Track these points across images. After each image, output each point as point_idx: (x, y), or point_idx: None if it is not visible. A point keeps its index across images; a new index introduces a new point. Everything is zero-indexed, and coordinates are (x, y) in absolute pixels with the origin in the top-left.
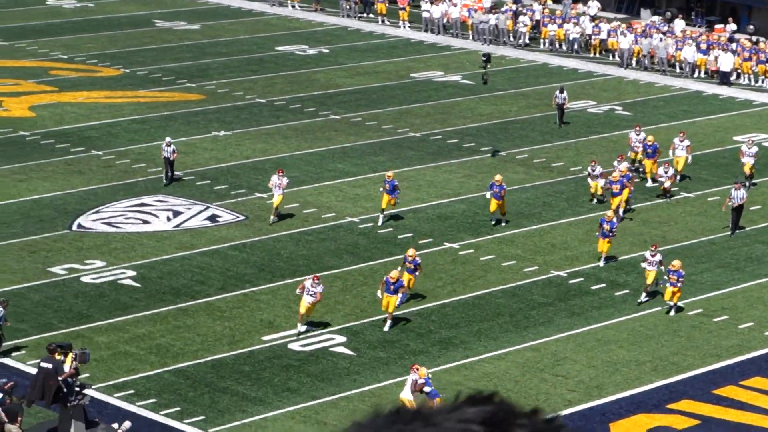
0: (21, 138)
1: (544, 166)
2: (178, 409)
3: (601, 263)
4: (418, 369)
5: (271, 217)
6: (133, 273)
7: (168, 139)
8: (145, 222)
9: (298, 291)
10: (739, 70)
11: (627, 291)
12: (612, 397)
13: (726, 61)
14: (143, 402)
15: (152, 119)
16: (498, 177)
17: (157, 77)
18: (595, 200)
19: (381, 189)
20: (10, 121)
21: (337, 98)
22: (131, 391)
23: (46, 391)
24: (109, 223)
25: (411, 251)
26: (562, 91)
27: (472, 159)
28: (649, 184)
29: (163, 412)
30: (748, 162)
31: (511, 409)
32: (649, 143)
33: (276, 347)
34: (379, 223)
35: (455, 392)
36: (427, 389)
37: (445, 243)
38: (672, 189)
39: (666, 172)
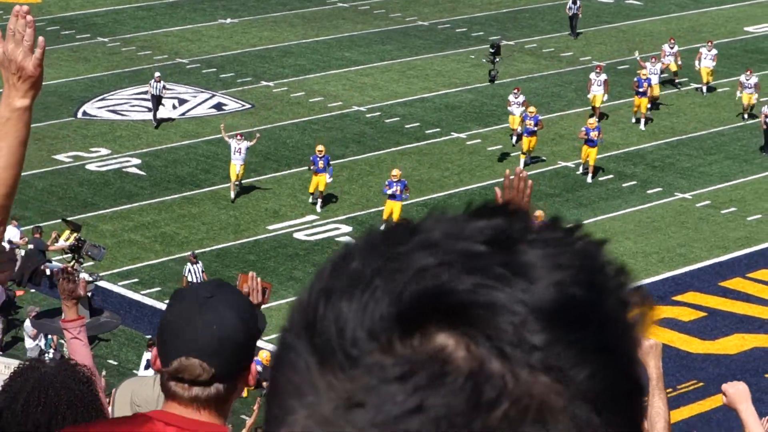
0: None
1: (552, 55)
2: None
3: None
4: None
5: (231, 192)
6: (138, 161)
7: (158, 74)
8: (151, 110)
9: None
10: None
11: (634, 182)
12: None
13: None
14: (147, 290)
15: (158, 6)
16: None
17: None
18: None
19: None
20: (14, 6)
21: None
22: (135, 280)
23: (25, 272)
24: (114, 111)
25: (395, 171)
26: (575, 1)
27: (480, 48)
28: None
29: (166, 301)
30: (747, 93)
31: (524, 222)
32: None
33: (281, 236)
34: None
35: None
36: None
37: (452, 133)
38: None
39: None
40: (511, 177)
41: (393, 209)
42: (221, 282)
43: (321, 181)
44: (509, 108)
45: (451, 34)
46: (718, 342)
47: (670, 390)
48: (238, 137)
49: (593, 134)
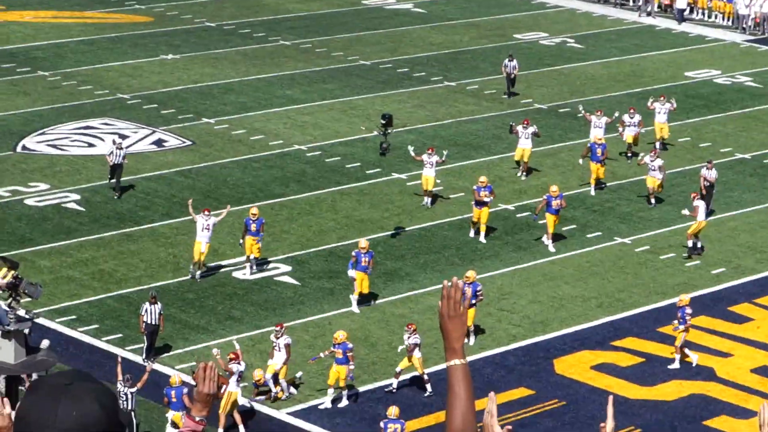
0: None
1: (494, 97)
2: (120, 335)
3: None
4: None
5: (196, 271)
6: (77, 197)
7: (119, 140)
8: (91, 145)
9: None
10: (693, 5)
11: (574, 226)
12: (557, 333)
13: None
14: (85, 327)
15: (100, 41)
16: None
17: None
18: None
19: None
20: None
21: (287, 24)
22: (73, 317)
23: None
24: (54, 146)
25: (363, 242)
26: (511, 59)
27: (422, 89)
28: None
29: (104, 338)
30: (629, 133)
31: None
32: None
33: (220, 275)
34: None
35: (366, 337)
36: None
37: (393, 173)
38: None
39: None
40: (449, 285)
41: (363, 282)
42: (80, 371)
43: (255, 246)
44: (424, 169)
45: (392, 73)
46: (656, 388)
47: None
48: (205, 212)
49: (483, 194)
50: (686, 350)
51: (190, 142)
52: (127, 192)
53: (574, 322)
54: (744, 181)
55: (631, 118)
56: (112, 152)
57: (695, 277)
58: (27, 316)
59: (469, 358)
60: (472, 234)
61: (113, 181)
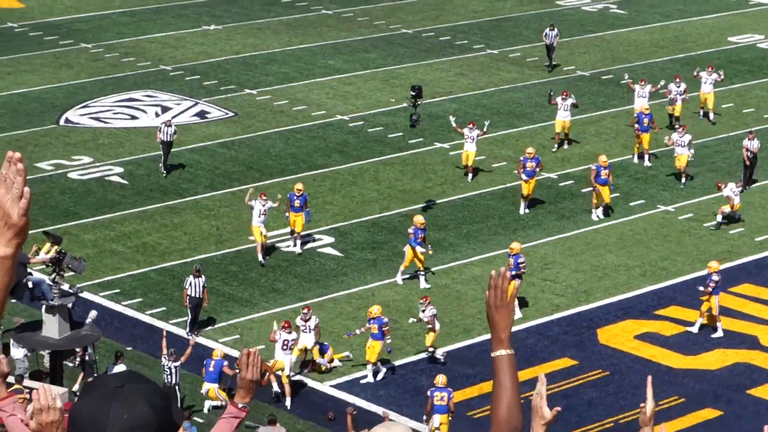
0: (9, 29)
1: (536, 65)
2: (163, 308)
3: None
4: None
5: (259, 255)
6: (120, 169)
7: (167, 118)
8: (134, 117)
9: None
10: None
11: (617, 194)
12: (600, 302)
13: None
14: (129, 301)
15: (142, 12)
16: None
17: None
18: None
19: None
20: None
21: None
22: (117, 290)
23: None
24: (97, 118)
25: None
26: (552, 28)
27: (464, 57)
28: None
29: (148, 312)
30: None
31: None
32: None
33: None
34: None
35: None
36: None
37: (435, 143)
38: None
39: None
40: (495, 275)
41: (409, 254)
42: (133, 372)
43: (298, 221)
44: (465, 143)
45: (435, 42)
46: (700, 357)
47: None
48: (262, 197)
49: (529, 164)
50: (714, 317)
51: (232, 114)
52: (170, 164)
53: (617, 291)
54: None
55: (678, 87)
56: (160, 129)
57: (739, 244)
58: (71, 291)
59: (513, 329)
60: (522, 210)
61: (163, 159)
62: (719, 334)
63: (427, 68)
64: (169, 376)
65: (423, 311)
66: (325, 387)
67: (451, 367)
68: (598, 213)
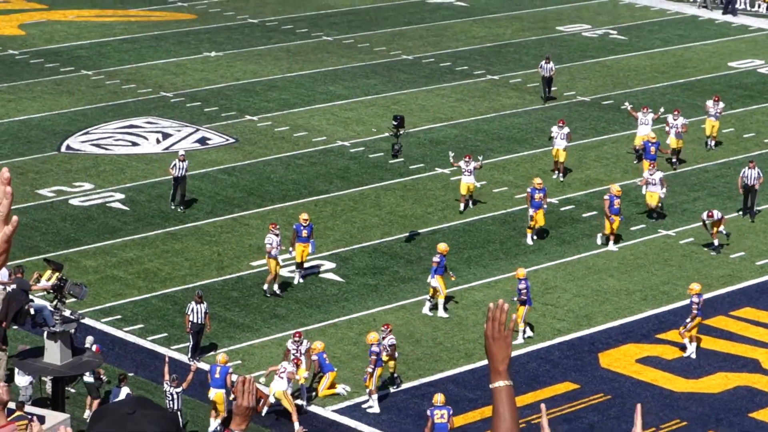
0: (10, 57)
1: (537, 90)
2: (165, 335)
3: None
4: (300, 339)
5: (273, 286)
6: (121, 196)
7: (182, 152)
8: (135, 144)
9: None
10: None
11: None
12: (601, 326)
13: None
14: (130, 327)
15: (143, 39)
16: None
17: None
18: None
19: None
20: None
21: (329, 19)
22: (118, 317)
23: (9, 311)
24: (98, 145)
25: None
26: (548, 61)
27: (465, 83)
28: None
29: (150, 338)
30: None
31: None
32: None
33: (265, 273)
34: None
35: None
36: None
37: (436, 168)
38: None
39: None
40: (494, 307)
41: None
42: (143, 399)
43: (305, 251)
44: (462, 176)
45: (435, 68)
46: (702, 381)
47: (653, 429)
48: (273, 227)
49: (537, 196)
50: (687, 339)
51: (233, 140)
52: (171, 190)
53: (618, 316)
54: None
55: (675, 120)
56: (174, 165)
57: (740, 268)
58: (73, 317)
59: (514, 353)
60: (529, 241)
61: (172, 193)
62: (691, 352)
63: (427, 94)
64: (171, 402)
65: (384, 338)
66: (327, 412)
67: (453, 392)
68: (609, 244)
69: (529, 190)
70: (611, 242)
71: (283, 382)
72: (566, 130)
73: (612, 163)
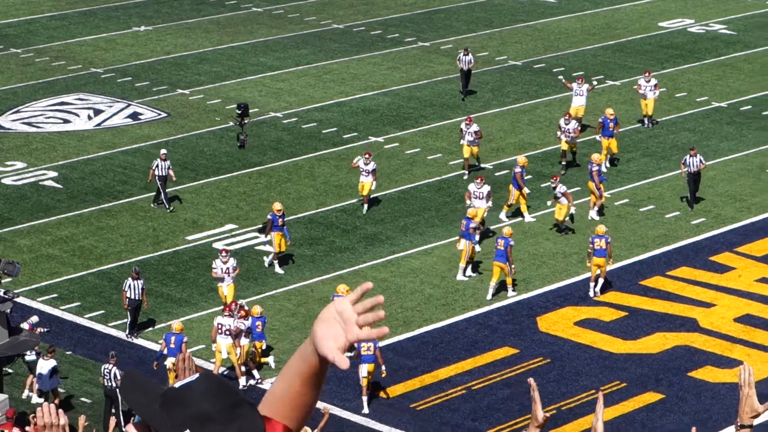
0: None
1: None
2: (102, 312)
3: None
4: (238, 307)
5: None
6: (54, 174)
7: (163, 151)
8: (66, 121)
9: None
10: None
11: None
12: (539, 290)
13: None
14: (67, 306)
15: (71, 15)
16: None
17: None
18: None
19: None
20: None
21: None
22: (55, 295)
23: None
24: (29, 123)
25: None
26: (467, 53)
27: (396, 50)
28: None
29: (87, 316)
30: (650, 97)
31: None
32: (609, 117)
33: (200, 247)
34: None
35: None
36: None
37: (369, 137)
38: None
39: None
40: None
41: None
42: (208, 373)
43: (284, 242)
44: (360, 176)
45: (366, 36)
46: (640, 341)
47: (592, 391)
48: (223, 253)
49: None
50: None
51: (165, 114)
52: (104, 167)
53: (555, 279)
54: (721, 130)
55: (647, 81)
56: (157, 165)
57: (675, 228)
58: (7, 296)
59: (452, 320)
60: (503, 216)
61: (155, 195)
62: (596, 289)
63: (359, 63)
64: (108, 381)
65: (234, 321)
66: (267, 385)
67: (392, 360)
68: (592, 213)
69: (517, 170)
70: (594, 211)
71: (227, 338)
72: (474, 127)
73: (545, 126)
